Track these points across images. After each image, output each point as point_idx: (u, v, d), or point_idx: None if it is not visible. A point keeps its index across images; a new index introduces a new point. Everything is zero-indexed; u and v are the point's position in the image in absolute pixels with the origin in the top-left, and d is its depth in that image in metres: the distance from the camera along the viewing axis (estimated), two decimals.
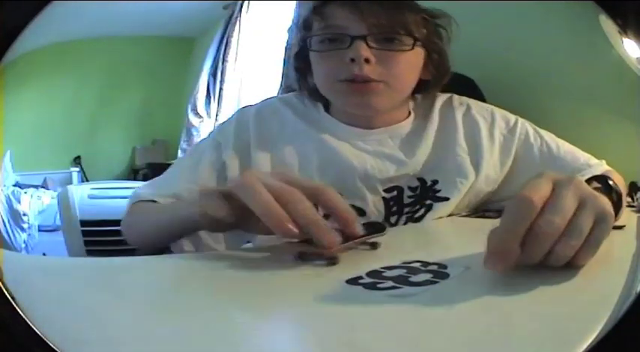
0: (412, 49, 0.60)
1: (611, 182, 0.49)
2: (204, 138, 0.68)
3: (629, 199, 0.56)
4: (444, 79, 0.65)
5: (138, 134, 0.89)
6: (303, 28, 0.65)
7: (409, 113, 0.67)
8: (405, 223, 0.61)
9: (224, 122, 0.67)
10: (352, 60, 0.58)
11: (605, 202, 0.34)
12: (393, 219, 0.61)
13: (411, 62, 0.61)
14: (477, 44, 0.73)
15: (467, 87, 0.74)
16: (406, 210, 0.61)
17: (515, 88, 0.67)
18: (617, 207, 0.46)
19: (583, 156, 0.66)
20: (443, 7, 0.62)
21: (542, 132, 0.67)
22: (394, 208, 0.61)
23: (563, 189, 0.33)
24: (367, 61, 0.58)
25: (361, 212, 0.59)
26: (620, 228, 0.43)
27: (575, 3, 0.61)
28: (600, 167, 0.64)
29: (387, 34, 0.59)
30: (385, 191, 0.61)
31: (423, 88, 0.65)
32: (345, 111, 0.64)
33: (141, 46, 0.85)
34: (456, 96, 0.68)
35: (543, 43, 0.71)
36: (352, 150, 0.63)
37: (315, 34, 0.62)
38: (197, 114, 0.84)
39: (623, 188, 0.55)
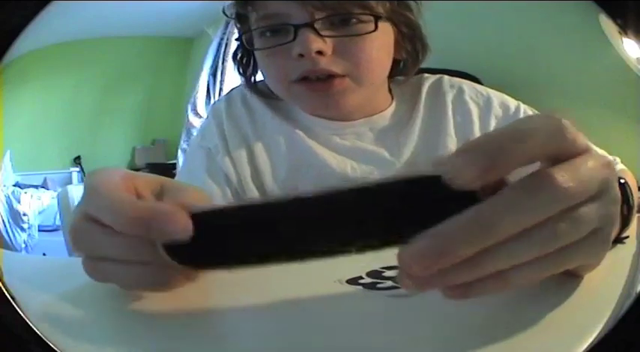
0: (376, 29, 0.49)
1: (627, 188, 0.36)
2: (189, 151, 0.61)
3: None
4: (421, 57, 0.55)
5: (138, 134, 0.89)
6: (238, 22, 0.55)
7: (392, 98, 0.58)
8: None
9: (202, 125, 0.61)
10: (301, 55, 0.48)
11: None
12: None
13: (378, 45, 0.51)
14: (478, 43, 0.72)
15: None
16: None
17: (515, 88, 0.67)
18: (626, 220, 0.37)
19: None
20: (443, 7, 0.62)
21: None
22: None
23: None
24: (320, 53, 0.48)
25: None
26: (622, 240, 0.37)
27: (575, 3, 0.61)
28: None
29: (340, 14, 0.48)
30: None
31: (400, 70, 0.56)
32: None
33: (141, 46, 0.85)
34: (446, 78, 0.59)
35: (542, 43, 0.71)
36: (328, 148, 0.55)
37: (251, 28, 0.52)
38: (197, 114, 0.83)
39: (635, 190, 0.43)
